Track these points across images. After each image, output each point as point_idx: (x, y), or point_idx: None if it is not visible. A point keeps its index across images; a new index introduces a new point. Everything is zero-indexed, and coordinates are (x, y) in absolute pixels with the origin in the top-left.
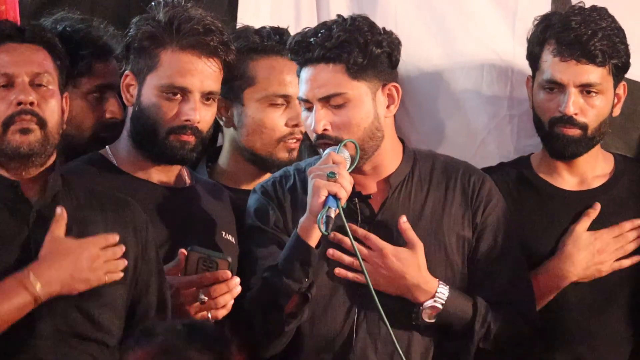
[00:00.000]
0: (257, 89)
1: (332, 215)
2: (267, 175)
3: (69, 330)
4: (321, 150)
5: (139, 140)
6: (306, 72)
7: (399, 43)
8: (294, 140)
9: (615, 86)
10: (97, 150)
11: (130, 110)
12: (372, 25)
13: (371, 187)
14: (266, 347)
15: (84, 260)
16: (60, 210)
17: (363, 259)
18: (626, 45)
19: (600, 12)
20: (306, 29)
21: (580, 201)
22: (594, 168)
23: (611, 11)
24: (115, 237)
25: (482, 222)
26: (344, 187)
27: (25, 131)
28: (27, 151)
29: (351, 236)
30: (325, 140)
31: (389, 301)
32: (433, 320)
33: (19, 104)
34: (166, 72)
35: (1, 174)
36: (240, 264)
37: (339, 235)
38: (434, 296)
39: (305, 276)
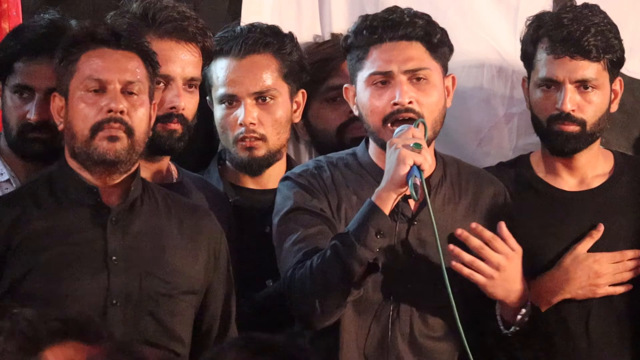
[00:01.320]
0: (214, 88)
1: (418, 183)
2: (270, 172)
3: (139, 338)
4: (393, 126)
5: None
6: (386, 49)
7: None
8: (250, 139)
9: (612, 82)
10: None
11: None
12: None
13: None
14: (323, 316)
15: None
16: None
17: (489, 262)
18: (620, 41)
19: (592, 9)
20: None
21: (580, 202)
22: (594, 167)
23: (612, 9)
24: None
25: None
26: (427, 159)
27: (112, 139)
28: (113, 158)
29: (432, 215)
30: (409, 114)
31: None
32: (520, 327)
33: (110, 111)
34: None
35: (84, 177)
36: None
37: (466, 234)
38: (527, 300)
39: (378, 245)
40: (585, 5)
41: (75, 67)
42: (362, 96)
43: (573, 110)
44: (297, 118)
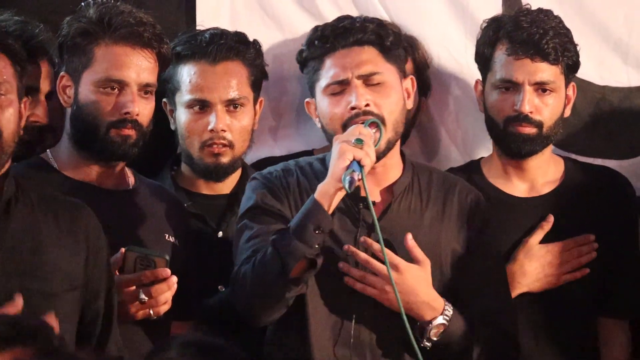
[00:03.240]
0: (181, 93)
1: (356, 178)
2: (220, 183)
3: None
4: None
5: (79, 139)
6: (339, 56)
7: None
8: (219, 145)
9: (566, 86)
10: (19, 153)
11: (68, 111)
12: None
13: (375, 194)
14: (263, 312)
15: None
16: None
17: (375, 274)
18: (575, 45)
19: (547, 13)
20: (322, 25)
21: (530, 208)
22: (545, 173)
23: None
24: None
25: (477, 241)
26: (369, 155)
27: None
28: None
29: (375, 216)
30: (368, 117)
31: (382, 321)
32: (436, 339)
33: None
34: (101, 67)
35: None
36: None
37: (352, 249)
38: (442, 313)
39: (317, 242)
40: (541, 9)
41: None
42: (321, 106)
43: (531, 112)
44: (257, 125)
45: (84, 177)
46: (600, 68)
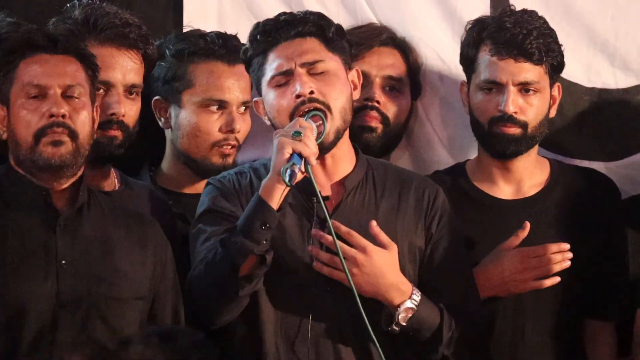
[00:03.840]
0: (195, 92)
1: (297, 171)
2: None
3: (90, 342)
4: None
5: None
6: (282, 48)
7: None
8: (229, 147)
9: (551, 86)
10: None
11: None
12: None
13: (327, 188)
14: (218, 311)
15: None
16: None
17: (345, 257)
18: (559, 46)
19: (531, 14)
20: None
21: (515, 210)
22: (531, 175)
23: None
24: None
25: (437, 233)
26: (309, 146)
27: (57, 143)
28: (59, 163)
29: (330, 221)
30: (313, 104)
31: (336, 303)
32: (405, 324)
33: (51, 116)
34: None
35: (33, 181)
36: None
37: (320, 232)
38: (410, 297)
39: (264, 238)
40: (525, 10)
41: (15, 74)
42: (268, 100)
43: (515, 112)
44: None
45: None
46: (588, 70)
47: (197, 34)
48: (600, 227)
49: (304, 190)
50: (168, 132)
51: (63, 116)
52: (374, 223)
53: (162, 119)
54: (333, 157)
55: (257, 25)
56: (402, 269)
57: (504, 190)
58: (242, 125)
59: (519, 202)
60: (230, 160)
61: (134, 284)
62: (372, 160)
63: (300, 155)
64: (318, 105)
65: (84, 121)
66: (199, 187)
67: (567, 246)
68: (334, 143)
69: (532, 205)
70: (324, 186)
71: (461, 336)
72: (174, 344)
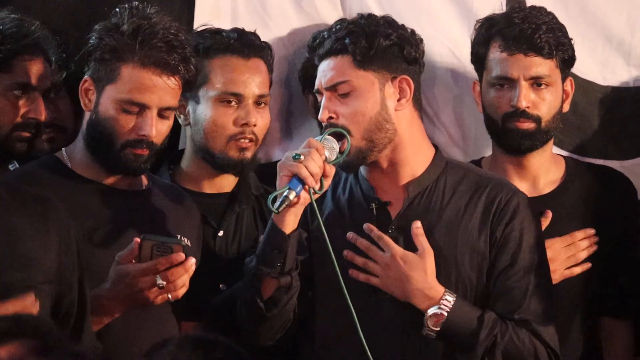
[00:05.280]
0: (211, 86)
1: (291, 197)
2: (227, 176)
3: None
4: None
5: (94, 148)
6: (319, 67)
7: (419, 40)
8: (247, 140)
9: (563, 81)
10: (15, 149)
11: (87, 115)
12: (387, 20)
13: (392, 191)
14: (253, 334)
15: None
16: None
17: (375, 260)
18: (569, 40)
19: (540, 10)
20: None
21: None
22: (547, 172)
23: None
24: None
25: (502, 238)
26: (309, 167)
27: None
28: None
29: (322, 224)
30: (332, 129)
31: (398, 310)
32: (438, 329)
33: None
34: (126, 87)
35: None
36: None
37: (355, 236)
38: (438, 303)
39: (279, 261)
40: (534, 7)
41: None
42: None
43: (528, 107)
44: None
45: (97, 177)
46: (603, 68)
47: (212, 30)
48: (617, 225)
49: (364, 196)
50: (188, 129)
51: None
52: (417, 224)
53: (182, 116)
54: (392, 163)
55: (315, 36)
56: (462, 278)
57: (519, 187)
58: (259, 120)
59: (535, 199)
60: (248, 154)
61: (42, 267)
62: (454, 163)
63: (299, 178)
64: (336, 129)
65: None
66: (219, 185)
67: (592, 231)
68: (358, 161)
69: (547, 202)
70: (387, 190)
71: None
72: (209, 355)
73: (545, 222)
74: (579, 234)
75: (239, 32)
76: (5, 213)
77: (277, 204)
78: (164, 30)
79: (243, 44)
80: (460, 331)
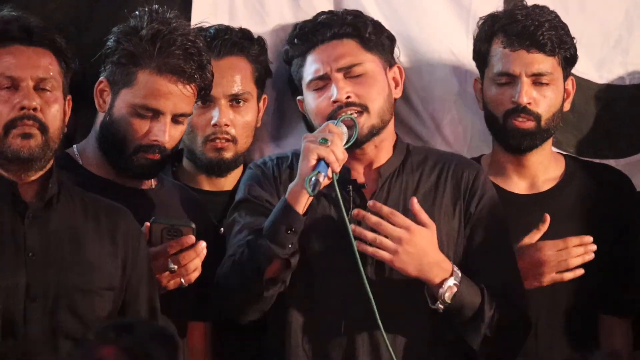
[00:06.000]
0: None
1: (321, 179)
2: (222, 178)
3: (60, 333)
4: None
5: (106, 148)
6: (319, 52)
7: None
8: (222, 140)
9: (565, 79)
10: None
11: (101, 116)
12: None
13: (364, 176)
14: (244, 311)
15: None
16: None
17: (387, 237)
18: (572, 39)
19: (543, 8)
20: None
21: (530, 205)
22: (546, 170)
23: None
24: None
25: (476, 213)
26: (335, 153)
27: (26, 136)
28: (27, 156)
29: (344, 211)
30: (350, 108)
31: (391, 290)
32: (449, 302)
33: (22, 108)
34: (141, 92)
35: (1, 173)
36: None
37: (362, 212)
38: (452, 275)
39: (290, 242)
40: (536, 5)
41: None
42: (307, 102)
43: (529, 104)
44: (259, 122)
45: (108, 174)
46: (600, 66)
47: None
48: (615, 223)
49: (339, 180)
50: None
51: (34, 109)
52: (414, 200)
53: None
54: (377, 146)
55: (296, 26)
56: (441, 250)
57: (518, 185)
58: (237, 118)
59: (533, 196)
60: (226, 154)
61: (104, 274)
62: (414, 146)
63: (327, 162)
64: (355, 109)
65: (54, 115)
66: (218, 184)
67: (589, 239)
68: (367, 138)
69: (546, 200)
70: (360, 174)
71: (504, 323)
72: (131, 335)
73: (544, 227)
74: (574, 240)
75: (216, 31)
76: (76, 219)
77: (310, 188)
78: (182, 37)
79: (217, 43)
80: (467, 304)
